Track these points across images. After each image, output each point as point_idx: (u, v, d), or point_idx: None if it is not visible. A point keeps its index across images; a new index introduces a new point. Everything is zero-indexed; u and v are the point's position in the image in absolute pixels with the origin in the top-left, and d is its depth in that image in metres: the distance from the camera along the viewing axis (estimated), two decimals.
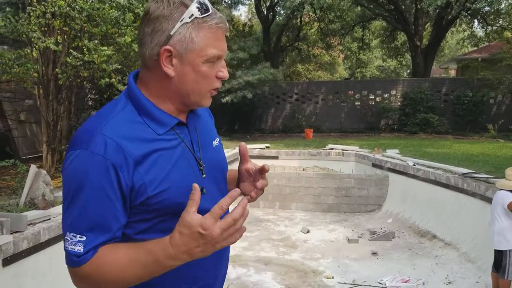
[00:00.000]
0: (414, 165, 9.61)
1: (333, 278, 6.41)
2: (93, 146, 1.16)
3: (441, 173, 8.54)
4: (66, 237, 1.17)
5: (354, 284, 6.16)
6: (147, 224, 1.23)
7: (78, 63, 7.31)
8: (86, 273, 1.16)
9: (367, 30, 26.44)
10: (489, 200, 6.19)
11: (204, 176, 1.32)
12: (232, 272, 6.51)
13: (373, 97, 20.59)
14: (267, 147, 13.66)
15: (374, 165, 11.10)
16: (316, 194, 10.57)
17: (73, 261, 1.16)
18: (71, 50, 7.59)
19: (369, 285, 6.11)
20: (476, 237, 7.05)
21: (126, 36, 7.63)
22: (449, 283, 6.17)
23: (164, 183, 1.21)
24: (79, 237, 1.15)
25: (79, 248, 1.15)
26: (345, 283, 6.19)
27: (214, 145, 1.43)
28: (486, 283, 5.86)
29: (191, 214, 1.09)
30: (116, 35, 7.98)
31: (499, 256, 5.28)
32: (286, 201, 10.64)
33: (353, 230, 8.83)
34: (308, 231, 8.70)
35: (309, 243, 8.07)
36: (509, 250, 5.16)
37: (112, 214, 1.17)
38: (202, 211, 1.12)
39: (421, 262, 7.01)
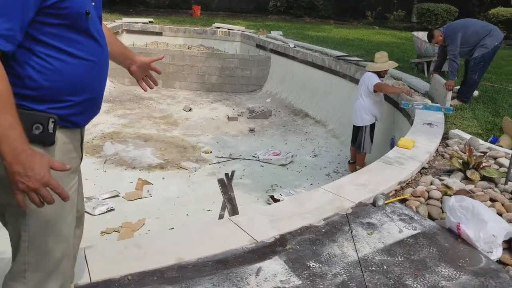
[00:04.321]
0: (294, 47, 9.91)
1: (211, 152, 6.72)
2: None
3: (318, 55, 8.97)
4: None
5: (230, 158, 6.55)
6: (52, 29, 1.34)
7: None
8: None
9: None
10: (357, 81, 6.73)
11: (93, 4, 1.48)
12: (111, 148, 6.49)
13: None
14: (150, 22, 12.96)
15: (258, 46, 11.24)
16: (200, 73, 10.54)
17: None
18: None
19: (244, 158, 6.55)
20: (342, 115, 7.75)
21: None
22: (315, 155, 6.85)
23: None
24: None
25: None
26: (222, 157, 6.55)
27: None
28: (346, 155, 6.61)
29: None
30: None
31: (356, 131, 5.92)
32: (170, 79, 10.50)
33: (233, 109, 9.14)
34: (190, 109, 8.82)
35: (191, 121, 8.24)
36: (365, 127, 5.79)
37: (25, 4, 1.26)
38: (84, 31, 1.40)
39: (292, 137, 7.61)
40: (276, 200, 5.04)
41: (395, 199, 3.01)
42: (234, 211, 4.89)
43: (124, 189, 5.33)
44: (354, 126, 5.97)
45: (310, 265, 2.24)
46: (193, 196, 5.29)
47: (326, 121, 8.20)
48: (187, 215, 4.79)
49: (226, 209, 4.96)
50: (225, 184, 5.63)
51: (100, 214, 4.70)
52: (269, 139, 7.50)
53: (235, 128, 8.00)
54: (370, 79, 5.70)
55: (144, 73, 1.96)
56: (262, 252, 2.32)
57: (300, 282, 2.11)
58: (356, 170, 5.99)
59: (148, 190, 5.26)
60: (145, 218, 4.62)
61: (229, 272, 2.13)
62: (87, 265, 2.06)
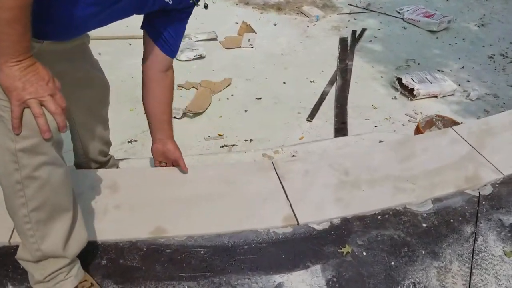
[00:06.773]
0: None
1: None
2: None
3: None
4: None
5: (366, 9, 5.13)
6: None
7: None
8: None
9: None
10: None
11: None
12: None
13: None
14: None
15: None
16: None
17: None
18: None
19: (384, 13, 5.08)
20: None
21: None
22: (482, 25, 5.04)
23: None
24: None
25: None
26: (356, 6, 5.20)
27: None
28: None
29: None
30: None
31: None
32: None
33: None
34: None
35: None
36: None
37: None
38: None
39: None
40: (403, 86, 3.76)
41: None
42: (343, 89, 3.77)
43: (225, 31, 4.52)
44: None
45: None
46: (301, 57, 4.24)
47: None
48: (284, 83, 3.82)
49: (335, 83, 3.85)
50: (347, 47, 4.40)
51: (186, 60, 4.00)
52: None
53: None
54: None
55: (165, 160, 1.72)
56: (297, 250, 1.35)
57: None
58: None
59: (249, 40, 4.32)
60: (231, 78, 3.79)
61: (221, 283, 1.25)
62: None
